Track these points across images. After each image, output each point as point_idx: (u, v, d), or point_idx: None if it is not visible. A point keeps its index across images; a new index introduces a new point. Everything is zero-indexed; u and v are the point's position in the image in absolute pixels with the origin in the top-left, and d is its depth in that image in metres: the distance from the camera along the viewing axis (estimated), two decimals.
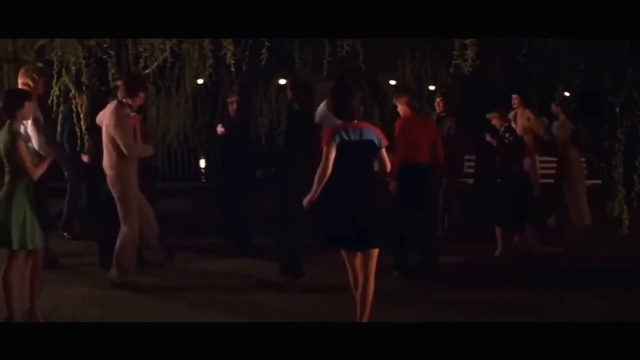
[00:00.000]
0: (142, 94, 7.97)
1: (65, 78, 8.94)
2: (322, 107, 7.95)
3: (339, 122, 6.19)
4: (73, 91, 9.12)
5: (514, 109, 10.40)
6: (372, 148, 6.06)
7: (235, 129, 9.63)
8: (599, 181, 11.49)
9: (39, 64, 8.99)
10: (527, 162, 9.60)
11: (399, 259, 8.26)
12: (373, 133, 6.08)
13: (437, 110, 10.27)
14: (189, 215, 12.28)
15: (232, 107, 9.72)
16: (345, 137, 5.96)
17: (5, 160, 6.19)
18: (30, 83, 7.81)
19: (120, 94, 7.73)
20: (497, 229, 9.40)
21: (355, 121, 6.11)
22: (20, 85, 7.82)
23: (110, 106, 7.71)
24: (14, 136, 6.13)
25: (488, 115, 9.42)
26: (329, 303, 7.17)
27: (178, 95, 14.84)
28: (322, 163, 6.00)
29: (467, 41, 8.91)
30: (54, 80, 8.86)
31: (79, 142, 9.19)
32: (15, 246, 6.10)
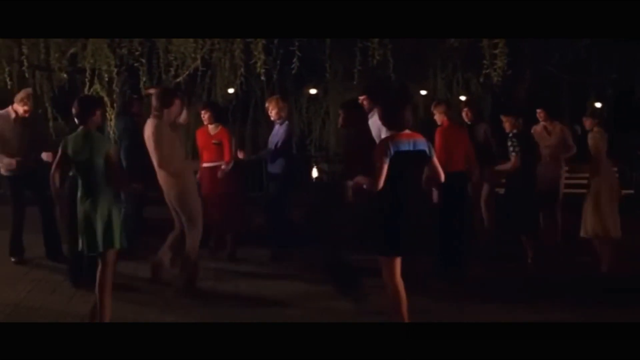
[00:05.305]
0: (177, 101, 7.42)
1: (97, 86, 9.01)
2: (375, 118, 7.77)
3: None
4: (106, 99, 9.15)
5: (539, 122, 10.18)
6: (424, 158, 6.03)
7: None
8: (632, 191, 11.37)
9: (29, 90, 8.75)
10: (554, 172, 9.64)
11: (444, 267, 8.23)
12: (424, 143, 6.02)
13: (466, 120, 10.17)
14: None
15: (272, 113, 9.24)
16: (399, 148, 5.86)
17: (88, 166, 6.13)
18: (26, 107, 7.98)
19: (154, 106, 7.34)
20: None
21: (407, 131, 6.00)
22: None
23: (149, 121, 7.37)
24: (107, 143, 6.20)
25: (502, 117, 9.13)
26: None
27: None
28: (376, 176, 5.81)
29: (497, 50, 8.85)
30: (86, 88, 8.95)
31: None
32: (117, 245, 6.14)
